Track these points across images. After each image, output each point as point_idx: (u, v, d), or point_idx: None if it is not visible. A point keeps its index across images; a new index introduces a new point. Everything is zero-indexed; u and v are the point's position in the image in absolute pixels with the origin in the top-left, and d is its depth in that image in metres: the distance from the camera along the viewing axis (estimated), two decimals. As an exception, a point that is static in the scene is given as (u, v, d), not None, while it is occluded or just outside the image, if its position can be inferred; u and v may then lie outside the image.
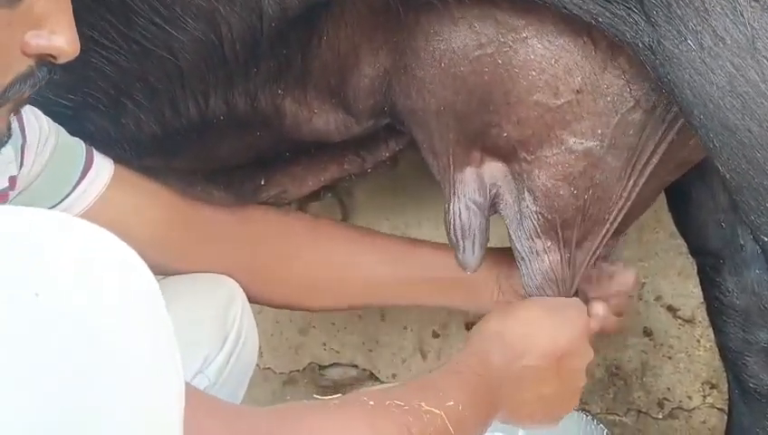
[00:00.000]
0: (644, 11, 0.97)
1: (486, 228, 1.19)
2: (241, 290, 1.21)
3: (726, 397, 1.42)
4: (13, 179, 1.02)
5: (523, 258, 1.18)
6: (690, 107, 0.97)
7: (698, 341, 1.67)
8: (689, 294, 1.64)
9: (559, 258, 1.17)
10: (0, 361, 0.59)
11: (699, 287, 1.38)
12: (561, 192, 1.13)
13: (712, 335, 1.39)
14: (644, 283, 1.66)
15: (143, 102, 1.13)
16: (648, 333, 1.69)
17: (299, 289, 1.26)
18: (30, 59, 0.80)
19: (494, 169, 1.17)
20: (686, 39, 0.95)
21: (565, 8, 1.01)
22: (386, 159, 1.30)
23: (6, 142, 0.86)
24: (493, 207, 1.19)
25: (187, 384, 0.69)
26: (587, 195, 1.13)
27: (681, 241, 1.40)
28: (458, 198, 1.18)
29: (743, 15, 0.92)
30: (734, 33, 0.92)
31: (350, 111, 1.19)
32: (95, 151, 1.12)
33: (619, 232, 1.22)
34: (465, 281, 1.25)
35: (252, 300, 1.23)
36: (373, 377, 1.81)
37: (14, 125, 0.87)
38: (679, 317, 1.67)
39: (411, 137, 1.22)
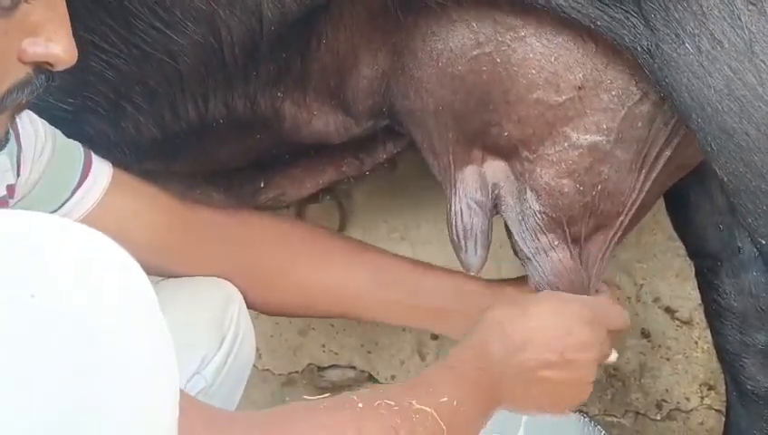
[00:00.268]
0: (642, 14, 0.97)
1: (489, 229, 1.18)
2: (238, 292, 1.21)
3: (724, 398, 1.42)
4: (11, 188, 1.01)
5: (528, 258, 1.17)
6: (688, 110, 0.98)
7: (696, 342, 1.67)
8: (687, 296, 1.64)
9: (568, 254, 1.16)
10: (0, 361, 0.59)
11: (697, 289, 1.38)
12: (566, 189, 1.12)
13: (710, 337, 1.39)
14: (642, 284, 1.66)
15: (143, 106, 1.13)
16: (645, 334, 1.69)
17: (294, 297, 1.26)
18: (27, 66, 0.80)
19: (495, 169, 1.17)
20: (684, 42, 0.95)
21: (563, 12, 1.01)
22: (384, 162, 1.30)
23: (4, 147, 0.86)
24: (495, 208, 1.18)
25: (183, 392, 0.69)
26: (595, 190, 1.12)
27: (679, 243, 1.40)
28: (460, 197, 1.17)
29: (740, 19, 0.92)
30: (731, 37, 0.93)
31: (350, 113, 1.20)
32: (93, 155, 1.12)
33: (632, 224, 1.20)
34: (461, 313, 1.22)
35: (249, 306, 1.22)
36: (372, 379, 1.80)
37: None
38: (677, 319, 1.67)
39: (409, 139, 1.22)
